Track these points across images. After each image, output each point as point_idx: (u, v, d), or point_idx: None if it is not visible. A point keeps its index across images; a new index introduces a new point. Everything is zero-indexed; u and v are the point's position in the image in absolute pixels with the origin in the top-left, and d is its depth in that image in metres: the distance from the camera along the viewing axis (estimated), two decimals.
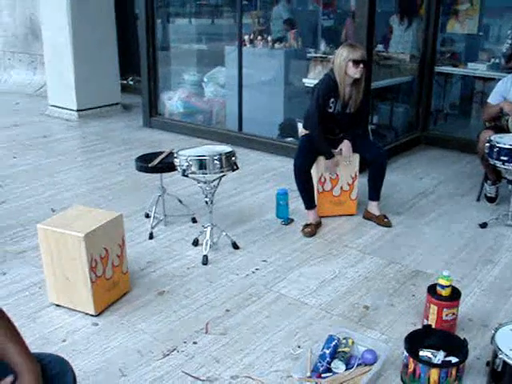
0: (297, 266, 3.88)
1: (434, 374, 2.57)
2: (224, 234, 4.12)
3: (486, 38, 7.33)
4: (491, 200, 4.98)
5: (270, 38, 6.83)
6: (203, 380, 2.76)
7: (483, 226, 4.48)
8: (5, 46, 10.99)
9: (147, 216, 4.60)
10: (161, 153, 4.48)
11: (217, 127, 7.16)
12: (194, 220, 4.57)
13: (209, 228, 4.01)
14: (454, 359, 2.65)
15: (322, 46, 7.04)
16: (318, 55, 6.71)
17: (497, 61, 6.73)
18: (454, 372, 2.58)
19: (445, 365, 2.58)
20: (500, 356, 2.52)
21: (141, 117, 7.88)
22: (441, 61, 6.92)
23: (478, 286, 3.61)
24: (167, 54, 8.16)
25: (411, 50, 6.93)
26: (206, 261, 3.90)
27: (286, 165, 5.71)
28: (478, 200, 5.04)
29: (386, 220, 4.53)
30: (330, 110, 4.39)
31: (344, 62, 4.26)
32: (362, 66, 4.25)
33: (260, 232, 4.42)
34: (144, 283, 3.67)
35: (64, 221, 3.30)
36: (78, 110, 8.16)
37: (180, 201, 4.68)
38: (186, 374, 2.81)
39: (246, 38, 6.79)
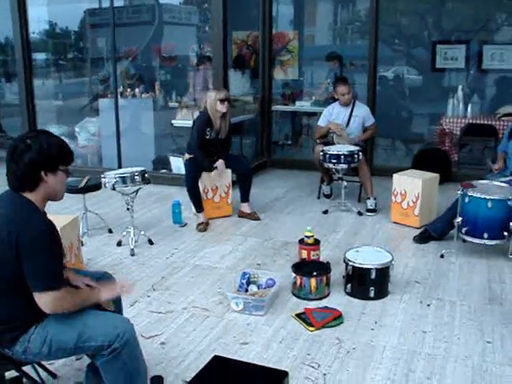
0: (201, 249, 5.28)
1: (313, 282, 4.11)
2: (142, 233, 5.41)
3: (306, 81, 9.41)
4: (328, 196, 6.76)
5: (137, 90, 8.22)
6: (164, 313, 4.06)
7: (325, 212, 6.20)
8: None
9: None
10: (82, 179, 5.67)
11: (96, 166, 8.31)
12: (110, 231, 5.77)
13: (132, 229, 5.27)
14: None
15: (174, 95, 8.63)
16: (178, 102, 8.24)
17: (316, 98, 8.70)
18: (324, 280, 4.14)
19: (318, 275, 4.13)
20: (350, 264, 4.13)
21: None
22: (275, 101, 8.78)
23: (329, 244, 5.28)
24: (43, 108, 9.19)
25: (252, 94, 8.71)
26: (133, 252, 5.16)
27: (165, 190, 7.16)
28: (319, 198, 6.80)
29: (256, 215, 6.08)
30: (208, 137, 5.88)
31: (213, 101, 5.82)
32: (226, 103, 5.82)
33: (164, 233, 5.74)
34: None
35: None
36: None
37: (98, 215, 5.85)
38: (151, 311, 4.09)
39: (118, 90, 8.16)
